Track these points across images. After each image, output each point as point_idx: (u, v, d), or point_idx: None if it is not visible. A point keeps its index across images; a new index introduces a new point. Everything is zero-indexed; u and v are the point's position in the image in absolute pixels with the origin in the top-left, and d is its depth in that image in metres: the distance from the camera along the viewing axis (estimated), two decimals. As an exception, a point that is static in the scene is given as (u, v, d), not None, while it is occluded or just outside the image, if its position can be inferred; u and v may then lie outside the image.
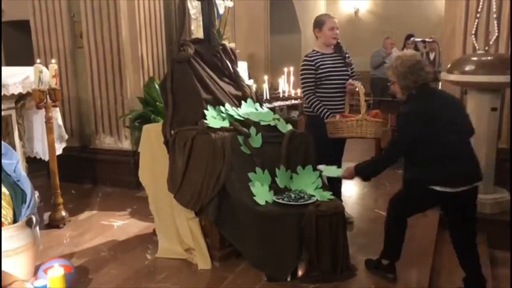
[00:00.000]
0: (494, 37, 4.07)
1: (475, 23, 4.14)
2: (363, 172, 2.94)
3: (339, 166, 3.85)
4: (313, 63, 3.67)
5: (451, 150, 2.68)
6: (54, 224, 3.85)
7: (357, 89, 3.53)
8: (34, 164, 4.17)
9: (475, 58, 3.83)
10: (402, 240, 2.94)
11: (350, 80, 3.73)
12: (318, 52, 3.73)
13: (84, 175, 5.00)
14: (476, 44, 4.11)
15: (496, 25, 4.06)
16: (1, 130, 3.39)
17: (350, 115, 3.57)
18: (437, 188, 2.71)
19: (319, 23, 3.72)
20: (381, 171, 2.90)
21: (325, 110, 3.61)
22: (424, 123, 2.64)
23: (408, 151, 2.74)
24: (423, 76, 2.76)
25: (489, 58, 3.82)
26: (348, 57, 3.79)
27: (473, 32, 4.14)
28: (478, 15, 4.12)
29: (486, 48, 3.95)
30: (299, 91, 5.54)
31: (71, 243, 3.59)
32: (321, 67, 3.67)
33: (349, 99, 3.78)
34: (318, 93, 3.66)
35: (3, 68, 3.75)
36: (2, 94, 3.54)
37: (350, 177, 3.03)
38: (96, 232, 3.78)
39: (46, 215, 3.90)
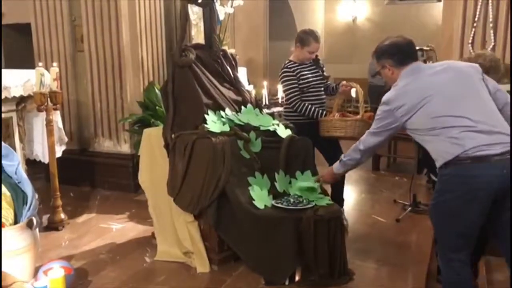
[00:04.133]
0: (491, 46, 4.14)
1: (472, 32, 4.21)
2: None
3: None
4: (294, 73, 3.76)
5: None
6: (53, 226, 3.87)
7: (352, 91, 3.70)
8: (32, 166, 4.17)
9: (471, 67, 3.89)
10: None
11: (344, 82, 3.83)
12: (296, 62, 3.81)
13: (83, 178, 5.02)
14: (472, 53, 4.17)
15: (492, 34, 4.13)
16: (1, 131, 3.41)
17: (349, 115, 3.68)
18: None
19: (302, 41, 3.76)
20: None
21: (317, 109, 3.71)
22: None
23: None
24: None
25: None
26: (324, 70, 3.92)
27: (470, 41, 4.21)
28: (475, 24, 4.19)
29: (483, 57, 4.02)
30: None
31: (69, 246, 3.61)
32: (302, 77, 3.76)
33: (339, 101, 3.86)
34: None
35: (4, 70, 3.77)
36: (4, 96, 3.56)
37: None
38: (94, 235, 3.80)
39: (45, 217, 3.90)
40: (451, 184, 2.24)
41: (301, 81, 3.76)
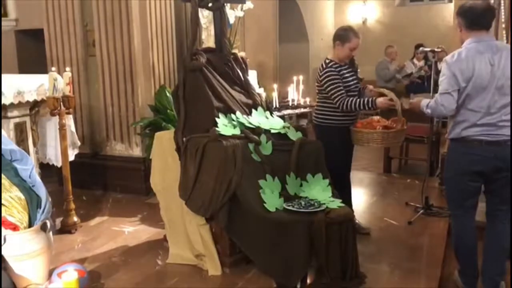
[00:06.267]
0: (504, 47, 4.11)
1: (484, 33, 4.18)
2: None
3: (347, 174, 3.91)
4: (339, 73, 3.64)
5: None
6: (66, 229, 3.91)
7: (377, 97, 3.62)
8: (45, 170, 4.22)
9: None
10: None
11: (371, 87, 3.80)
12: (336, 63, 3.68)
13: (95, 181, 5.06)
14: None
15: (505, 35, 4.09)
16: (0, 134, 3.44)
17: (383, 120, 3.67)
18: None
19: (343, 38, 3.62)
20: None
21: (367, 99, 3.59)
22: None
23: None
24: None
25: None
26: (358, 71, 3.85)
27: (482, 42, 4.18)
28: (486, 25, 4.16)
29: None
30: (308, 99, 5.59)
31: (82, 248, 3.64)
32: (344, 80, 3.66)
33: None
34: (333, 104, 3.63)
35: (18, 76, 3.82)
36: (18, 101, 3.62)
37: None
38: (107, 238, 3.83)
39: (58, 221, 3.95)
40: (452, 155, 2.94)
41: (342, 83, 3.65)
